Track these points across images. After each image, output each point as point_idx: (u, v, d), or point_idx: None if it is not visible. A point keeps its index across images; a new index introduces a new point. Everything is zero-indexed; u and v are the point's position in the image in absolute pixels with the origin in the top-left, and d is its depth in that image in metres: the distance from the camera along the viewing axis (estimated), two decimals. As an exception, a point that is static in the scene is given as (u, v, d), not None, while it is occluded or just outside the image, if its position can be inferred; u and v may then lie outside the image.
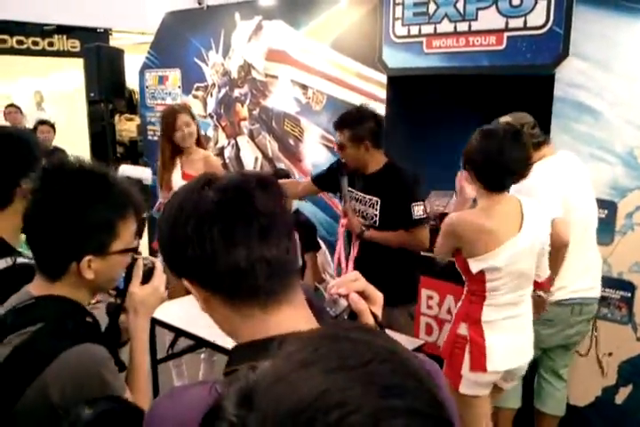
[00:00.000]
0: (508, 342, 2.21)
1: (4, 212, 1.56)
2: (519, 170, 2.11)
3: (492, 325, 2.18)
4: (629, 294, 2.71)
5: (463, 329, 2.22)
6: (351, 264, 2.87)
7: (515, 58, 3.00)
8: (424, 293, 3.54)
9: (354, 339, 0.54)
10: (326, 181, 3.03)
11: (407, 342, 2.46)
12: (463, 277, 2.27)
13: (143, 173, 2.46)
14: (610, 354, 2.79)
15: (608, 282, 2.75)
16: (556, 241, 2.39)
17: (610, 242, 2.72)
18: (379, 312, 0.97)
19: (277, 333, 0.82)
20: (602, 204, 2.72)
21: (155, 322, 2.50)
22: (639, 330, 2.70)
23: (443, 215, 2.90)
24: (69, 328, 1.17)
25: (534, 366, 2.85)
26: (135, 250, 1.32)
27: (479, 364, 2.18)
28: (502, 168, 2.09)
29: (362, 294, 0.94)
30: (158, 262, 1.38)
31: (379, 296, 0.97)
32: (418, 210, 2.74)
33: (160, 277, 1.38)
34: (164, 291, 1.39)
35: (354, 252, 2.88)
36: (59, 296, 1.22)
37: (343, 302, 0.93)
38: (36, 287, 1.24)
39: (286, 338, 0.76)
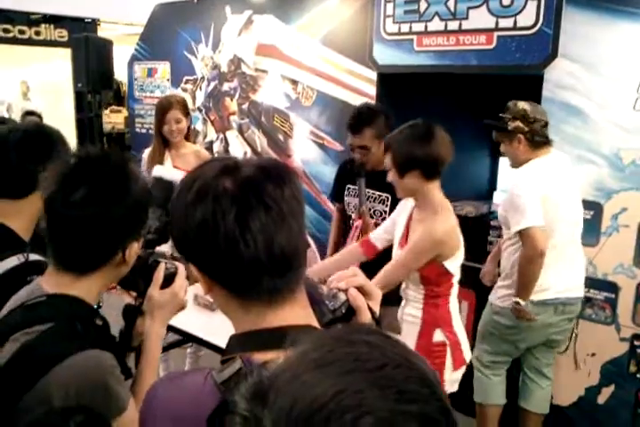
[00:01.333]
0: (463, 329, 2.29)
1: (19, 202, 1.51)
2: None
3: (456, 319, 2.24)
4: (613, 295, 2.74)
5: (439, 336, 2.19)
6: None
7: (504, 57, 3.00)
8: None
9: (369, 342, 0.55)
10: (341, 193, 3.05)
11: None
12: (420, 286, 2.21)
13: (175, 175, 2.44)
14: (593, 354, 2.82)
15: (592, 283, 2.77)
16: (530, 250, 2.40)
17: (595, 243, 2.74)
18: (376, 308, 0.99)
19: (277, 325, 0.84)
20: (587, 205, 2.74)
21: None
22: (622, 331, 2.73)
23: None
24: (79, 331, 1.15)
25: (519, 364, 2.88)
26: (145, 265, 1.33)
27: (460, 360, 2.22)
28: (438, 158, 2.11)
29: (360, 289, 0.96)
30: (182, 268, 1.36)
31: (377, 293, 1.00)
32: None
33: (181, 283, 1.36)
34: (183, 297, 1.37)
35: None
36: (71, 296, 1.19)
37: (342, 297, 0.95)
38: (51, 284, 1.20)
39: (286, 331, 0.81)
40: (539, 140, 2.59)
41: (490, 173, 4.27)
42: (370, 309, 0.96)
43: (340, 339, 0.56)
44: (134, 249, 1.22)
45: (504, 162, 4.14)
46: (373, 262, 2.71)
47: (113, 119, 11.11)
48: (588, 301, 2.80)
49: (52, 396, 1.07)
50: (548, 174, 2.58)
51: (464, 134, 3.60)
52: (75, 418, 1.00)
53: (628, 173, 2.65)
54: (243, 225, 0.81)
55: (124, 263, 1.21)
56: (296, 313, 0.86)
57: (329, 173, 3.86)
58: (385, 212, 2.80)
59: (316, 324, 0.88)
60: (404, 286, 2.32)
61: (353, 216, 2.95)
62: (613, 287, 2.74)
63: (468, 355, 2.28)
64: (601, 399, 2.83)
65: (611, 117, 2.69)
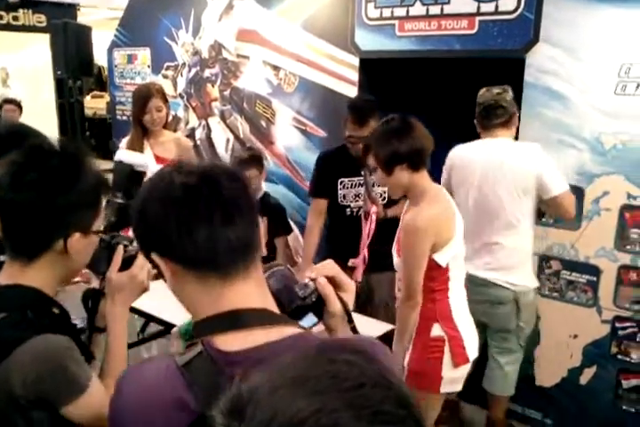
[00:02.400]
0: (471, 326, 2.25)
1: None
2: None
3: (459, 315, 2.19)
4: (595, 278, 2.77)
5: (437, 330, 2.15)
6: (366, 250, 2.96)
7: (486, 42, 2.99)
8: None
9: (349, 361, 0.55)
10: (329, 188, 3.10)
11: (378, 326, 2.50)
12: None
13: (137, 159, 2.42)
14: (575, 336, 2.86)
15: (574, 266, 2.81)
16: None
17: (577, 227, 2.76)
18: (350, 300, 1.03)
19: (230, 308, 0.87)
20: (569, 189, 2.76)
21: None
22: (604, 313, 2.77)
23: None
24: (30, 319, 1.16)
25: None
26: (104, 232, 1.32)
27: (463, 357, 2.17)
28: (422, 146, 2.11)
29: (333, 280, 1.01)
30: None
31: (349, 284, 1.03)
32: None
33: (140, 266, 1.36)
34: (143, 280, 1.37)
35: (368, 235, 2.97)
36: (25, 286, 1.20)
37: (312, 285, 0.99)
38: (4, 275, 1.23)
39: (241, 314, 0.86)
40: (478, 123, 2.72)
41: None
42: (342, 300, 1.00)
43: (321, 355, 0.57)
44: (79, 241, 1.21)
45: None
46: (382, 233, 2.79)
47: (95, 105, 10.98)
48: (570, 283, 2.84)
49: (11, 383, 1.10)
50: (472, 157, 2.70)
51: (447, 119, 3.60)
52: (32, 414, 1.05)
53: (610, 158, 2.67)
54: (194, 218, 0.87)
55: (67, 253, 1.21)
56: (251, 290, 0.89)
57: (312, 159, 3.84)
58: (384, 192, 2.99)
59: (271, 305, 0.91)
60: (398, 283, 2.32)
61: (352, 205, 3.08)
62: (595, 270, 2.77)
63: (472, 353, 2.20)
64: (583, 380, 2.87)
65: (592, 102, 2.70)
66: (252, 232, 0.91)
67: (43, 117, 7.00)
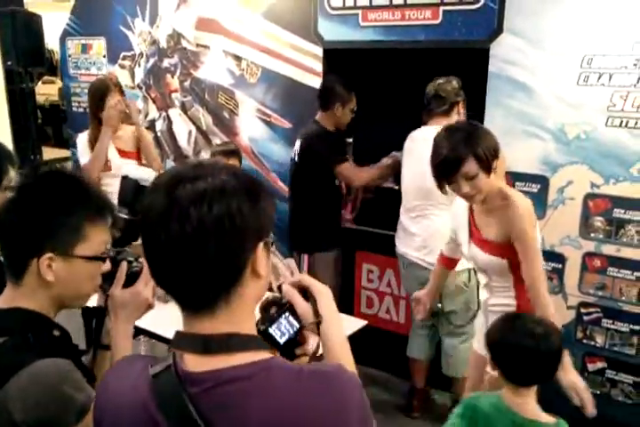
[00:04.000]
0: None
1: None
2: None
3: None
4: (560, 266, 2.84)
5: None
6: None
7: (450, 32, 3.00)
8: (364, 267, 3.59)
9: None
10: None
11: (351, 322, 2.51)
12: (509, 275, 2.13)
13: (144, 174, 2.37)
14: (542, 322, 2.92)
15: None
16: None
17: (542, 216, 2.81)
18: (324, 304, 1.08)
19: (204, 332, 0.90)
20: (534, 179, 2.82)
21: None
22: (569, 299, 2.84)
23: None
24: (32, 342, 1.14)
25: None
26: (104, 259, 1.27)
27: None
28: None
29: (302, 287, 1.09)
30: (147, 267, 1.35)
31: (316, 287, 1.09)
32: None
33: (145, 283, 1.34)
34: (148, 297, 1.35)
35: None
36: (24, 309, 1.19)
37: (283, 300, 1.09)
38: (3, 298, 1.21)
39: (211, 339, 0.88)
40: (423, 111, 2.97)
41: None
42: (314, 303, 1.07)
43: None
44: (57, 264, 1.17)
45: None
46: None
47: (46, 91, 10.61)
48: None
49: (11, 409, 1.07)
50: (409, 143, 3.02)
51: (411, 109, 3.60)
52: None
53: (573, 148, 2.72)
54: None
55: (43, 278, 1.17)
56: (218, 326, 0.88)
57: (277, 150, 3.82)
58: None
59: (245, 331, 0.91)
60: (485, 280, 2.27)
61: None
62: (560, 258, 2.83)
63: None
64: (550, 365, 2.94)
65: (556, 92, 2.73)
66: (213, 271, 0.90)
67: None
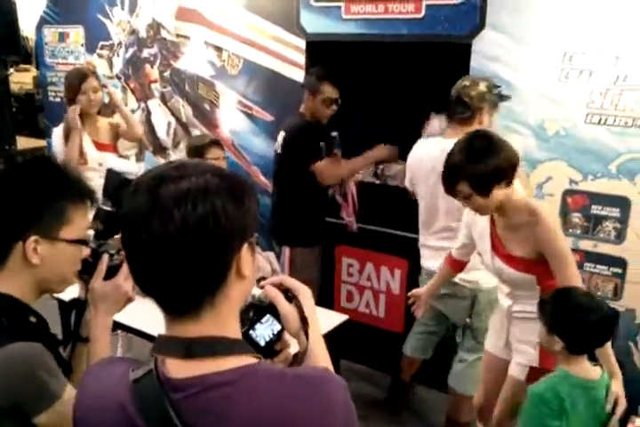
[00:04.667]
0: None
1: None
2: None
3: None
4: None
5: None
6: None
7: (433, 27, 2.99)
8: (344, 261, 3.59)
9: None
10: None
11: (332, 317, 2.51)
12: (537, 287, 2.10)
13: (130, 167, 2.35)
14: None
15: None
16: None
17: (522, 211, 2.83)
18: (306, 304, 1.09)
19: (186, 335, 0.88)
20: (514, 174, 2.83)
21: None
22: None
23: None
24: (6, 326, 1.14)
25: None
26: (86, 242, 1.29)
27: None
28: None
29: (283, 288, 1.09)
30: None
31: (299, 288, 1.10)
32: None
33: (125, 276, 1.34)
34: (128, 290, 1.35)
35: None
36: (0, 293, 1.19)
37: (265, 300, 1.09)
38: None
39: (191, 342, 0.86)
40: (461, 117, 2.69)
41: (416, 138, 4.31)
42: (297, 304, 1.07)
43: None
44: (43, 247, 1.19)
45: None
46: None
47: (20, 79, 10.40)
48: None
49: None
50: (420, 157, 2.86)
51: (393, 103, 3.61)
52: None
53: (553, 144, 2.74)
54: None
55: (28, 261, 1.18)
56: (203, 329, 0.87)
57: (258, 143, 3.80)
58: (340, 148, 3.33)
59: (231, 334, 0.90)
60: (507, 290, 2.24)
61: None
62: (539, 253, 2.85)
63: None
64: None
65: (537, 88, 2.75)
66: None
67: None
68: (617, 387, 1.91)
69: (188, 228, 0.80)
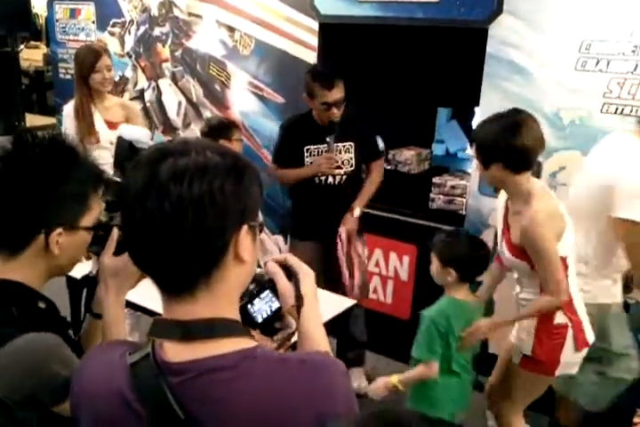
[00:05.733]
0: (584, 311, 2.21)
1: None
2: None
3: (577, 300, 2.17)
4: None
5: (560, 318, 2.13)
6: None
7: (449, 11, 2.95)
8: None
9: None
10: (294, 157, 3.01)
11: (341, 301, 2.52)
12: (535, 277, 2.12)
13: (140, 135, 2.26)
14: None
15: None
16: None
17: (533, 200, 2.81)
18: (307, 281, 1.07)
19: (182, 318, 0.87)
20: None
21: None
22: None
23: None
24: (16, 316, 1.12)
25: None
26: (100, 226, 1.25)
27: (583, 341, 2.16)
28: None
29: (286, 266, 1.08)
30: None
31: (300, 266, 1.08)
32: (380, 141, 3.07)
33: None
34: None
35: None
36: (8, 280, 1.16)
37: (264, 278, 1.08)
38: None
39: (188, 324, 0.86)
40: None
41: (428, 123, 4.27)
42: (296, 283, 1.05)
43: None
44: (63, 237, 1.16)
45: (442, 113, 4.17)
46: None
47: (30, 56, 10.35)
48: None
49: None
50: None
51: (405, 87, 3.57)
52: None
53: (568, 133, 2.71)
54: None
55: (49, 250, 1.16)
56: (199, 310, 0.86)
57: (270, 125, 3.77)
58: (351, 159, 3.03)
59: (227, 315, 0.89)
60: (516, 275, 2.27)
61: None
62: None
63: (590, 337, 2.19)
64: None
65: (553, 76, 2.71)
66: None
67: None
68: (486, 322, 2.22)
69: (183, 205, 0.79)
